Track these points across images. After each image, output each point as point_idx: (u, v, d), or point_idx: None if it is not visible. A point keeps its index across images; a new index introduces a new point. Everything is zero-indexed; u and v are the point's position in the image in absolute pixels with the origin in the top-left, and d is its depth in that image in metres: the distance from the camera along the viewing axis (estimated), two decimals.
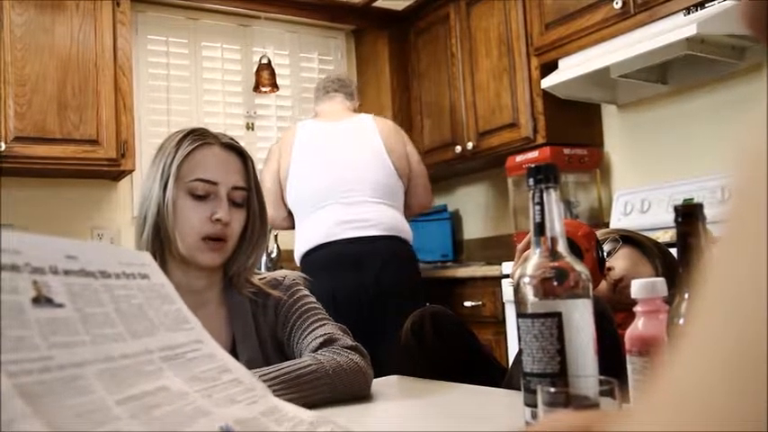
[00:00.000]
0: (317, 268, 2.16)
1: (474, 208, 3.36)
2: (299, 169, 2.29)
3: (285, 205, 2.35)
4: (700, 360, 0.16)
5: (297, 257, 2.31)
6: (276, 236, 2.90)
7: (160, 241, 1.05)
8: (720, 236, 0.17)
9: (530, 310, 0.66)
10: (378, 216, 2.23)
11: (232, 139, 1.12)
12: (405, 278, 2.23)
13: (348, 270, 2.14)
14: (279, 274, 1.15)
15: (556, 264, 0.66)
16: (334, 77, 2.62)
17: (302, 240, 2.28)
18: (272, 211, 2.26)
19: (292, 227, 2.39)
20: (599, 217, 2.63)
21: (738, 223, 0.16)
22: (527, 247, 1.16)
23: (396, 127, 2.47)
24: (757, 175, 0.16)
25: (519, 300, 0.67)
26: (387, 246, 2.22)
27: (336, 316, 2.07)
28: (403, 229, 2.29)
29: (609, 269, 1.34)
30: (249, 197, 1.11)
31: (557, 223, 0.66)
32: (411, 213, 2.49)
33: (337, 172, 2.26)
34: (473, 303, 2.51)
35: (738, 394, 0.15)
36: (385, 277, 2.17)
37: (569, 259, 0.67)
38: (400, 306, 2.12)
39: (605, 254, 1.34)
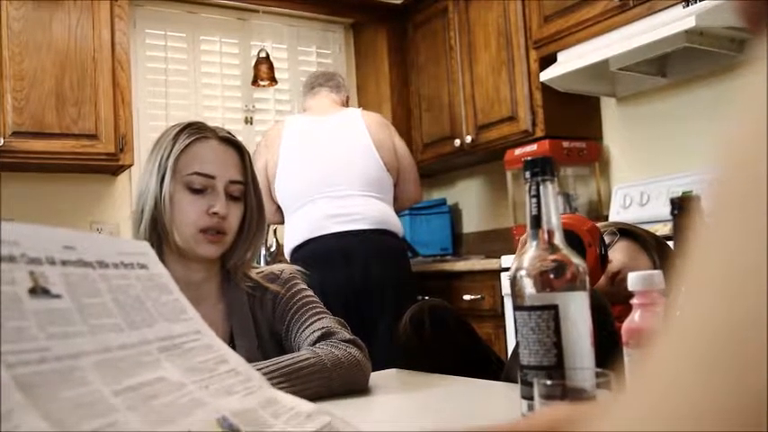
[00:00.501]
0: (306, 263, 2.15)
1: (473, 201, 3.36)
2: (287, 164, 2.29)
3: (273, 200, 2.35)
4: (679, 349, 0.16)
5: (286, 252, 2.32)
6: (275, 230, 2.90)
7: (157, 235, 1.05)
8: (709, 214, 0.17)
9: (526, 303, 0.66)
10: (365, 209, 2.23)
11: (229, 132, 1.12)
12: (394, 272, 2.23)
13: (336, 264, 2.14)
14: (276, 267, 1.15)
15: (555, 257, 0.66)
16: (319, 72, 2.63)
17: (291, 235, 2.29)
18: None
19: (282, 221, 2.39)
20: (598, 210, 2.64)
21: (728, 199, 0.16)
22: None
23: (384, 120, 2.47)
24: (741, 168, 0.16)
25: (516, 292, 0.67)
26: (375, 239, 2.21)
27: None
28: (392, 222, 2.29)
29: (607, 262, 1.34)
30: (246, 191, 1.11)
31: (553, 216, 0.66)
32: (400, 207, 2.49)
33: (324, 166, 2.26)
34: (472, 297, 2.51)
35: (721, 384, 0.15)
36: (373, 271, 2.16)
37: (566, 252, 0.67)
38: (389, 300, 2.13)
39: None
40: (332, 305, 2.07)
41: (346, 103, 2.53)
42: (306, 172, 2.27)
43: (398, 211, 2.47)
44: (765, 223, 0.15)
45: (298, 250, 2.25)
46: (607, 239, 1.35)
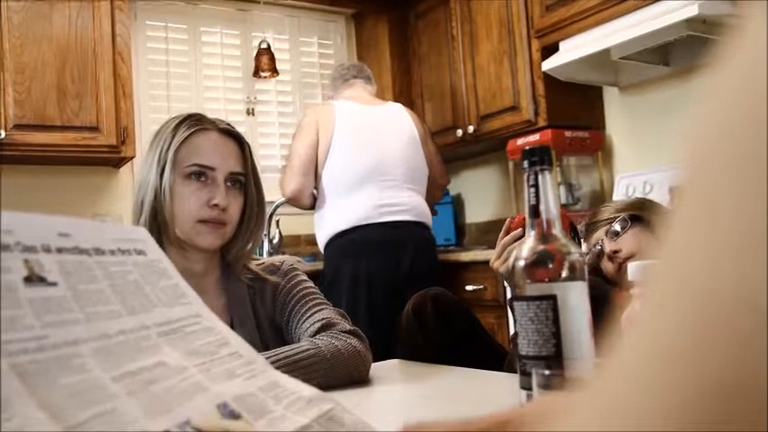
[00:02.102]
0: (351, 250, 2.20)
1: (476, 192, 3.35)
2: (340, 148, 2.29)
3: (315, 180, 2.33)
4: (641, 343, 0.16)
5: (326, 236, 2.30)
6: (278, 221, 2.90)
7: (157, 226, 1.05)
8: (673, 217, 0.17)
9: (525, 293, 0.66)
10: (410, 201, 2.30)
11: (229, 124, 1.12)
12: (433, 264, 2.33)
13: (386, 253, 2.19)
14: (276, 259, 1.16)
15: (554, 246, 0.66)
16: (350, 65, 2.66)
17: (335, 220, 2.28)
18: (302, 179, 2.27)
19: (311, 205, 2.38)
20: (601, 199, 2.63)
21: (691, 204, 0.16)
22: (513, 240, 1.16)
23: (418, 117, 2.58)
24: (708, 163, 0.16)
25: (514, 282, 0.67)
26: (419, 231, 2.30)
27: (370, 299, 2.15)
28: (428, 215, 2.38)
29: (616, 251, 1.34)
30: (246, 183, 1.11)
31: (552, 205, 0.66)
32: (433, 195, 2.55)
33: (377, 155, 2.29)
34: (475, 287, 2.51)
35: (679, 379, 0.15)
36: (419, 262, 2.24)
37: (565, 241, 0.67)
38: None
39: (614, 234, 1.34)
40: (376, 294, 2.14)
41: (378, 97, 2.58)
42: (358, 158, 2.28)
43: (433, 200, 2.55)
44: (727, 218, 0.15)
45: (342, 236, 2.25)
46: (619, 226, 1.35)
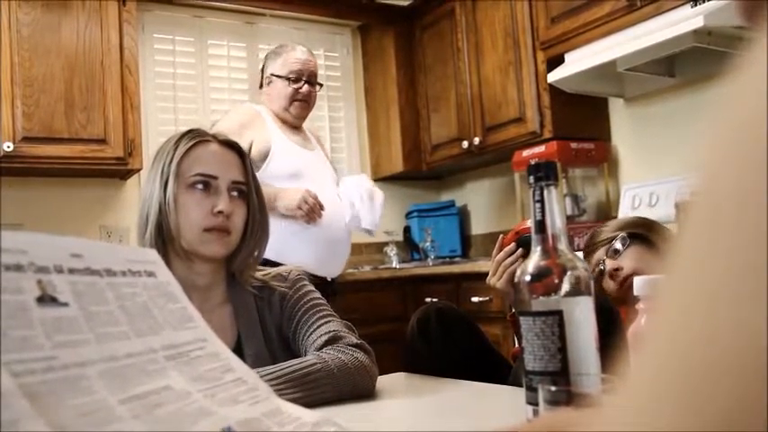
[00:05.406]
0: None
1: (482, 203, 3.35)
2: None
3: None
4: (653, 360, 0.17)
5: None
6: None
7: (163, 240, 1.06)
8: (677, 243, 0.17)
9: (530, 308, 0.66)
10: None
11: (228, 137, 1.15)
12: None
13: None
14: (283, 269, 1.16)
15: (559, 261, 0.66)
16: None
17: None
18: None
19: None
20: (606, 211, 2.62)
21: (701, 220, 0.17)
22: (507, 256, 1.16)
23: None
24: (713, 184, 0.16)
25: (520, 297, 0.67)
26: None
27: None
28: None
29: (617, 269, 1.34)
30: (248, 192, 1.12)
31: (558, 220, 0.66)
32: None
33: None
34: (480, 299, 2.51)
35: (694, 397, 0.15)
36: None
37: (571, 256, 0.67)
38: None
39: (615, 252, 1.34)
40: None
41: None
42: None
43: None
44: (734, 240, 0.15)
45: None
46: (620, 244, 1.35)
